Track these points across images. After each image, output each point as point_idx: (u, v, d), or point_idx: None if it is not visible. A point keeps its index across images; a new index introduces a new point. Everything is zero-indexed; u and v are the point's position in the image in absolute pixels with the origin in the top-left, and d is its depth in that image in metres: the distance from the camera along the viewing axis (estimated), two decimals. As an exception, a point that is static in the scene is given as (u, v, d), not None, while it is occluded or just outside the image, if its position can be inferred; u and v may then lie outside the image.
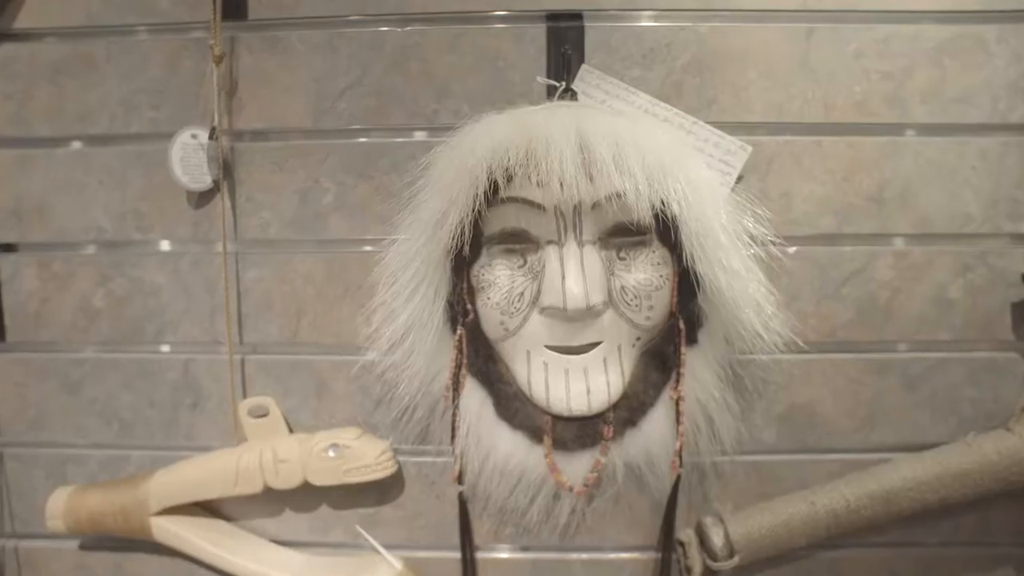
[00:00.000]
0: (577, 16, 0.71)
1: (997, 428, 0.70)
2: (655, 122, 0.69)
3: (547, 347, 0.64)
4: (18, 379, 0.78)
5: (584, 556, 0.76)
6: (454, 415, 0.69)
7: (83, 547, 0.78)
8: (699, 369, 0.69)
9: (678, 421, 0.67)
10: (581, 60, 0.70)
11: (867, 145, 0.71)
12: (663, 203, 0.61)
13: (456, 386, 0.69)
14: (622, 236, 0.64)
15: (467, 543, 0.74)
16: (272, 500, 0.75)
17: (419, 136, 0.73)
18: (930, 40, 0.70)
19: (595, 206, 0.62)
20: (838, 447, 0.74)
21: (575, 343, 0.64)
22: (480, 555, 0.76)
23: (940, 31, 0.70)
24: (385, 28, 0.72)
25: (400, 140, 0.73)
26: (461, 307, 0.68)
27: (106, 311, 0.76)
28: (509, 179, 0.62)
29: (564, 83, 0.69)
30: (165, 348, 0.77)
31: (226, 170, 0.73)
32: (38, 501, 0.75)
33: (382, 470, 0.71)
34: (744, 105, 0.71)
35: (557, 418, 0.65)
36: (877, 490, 0.68)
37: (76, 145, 0.75)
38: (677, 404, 0.67)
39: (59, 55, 0.74)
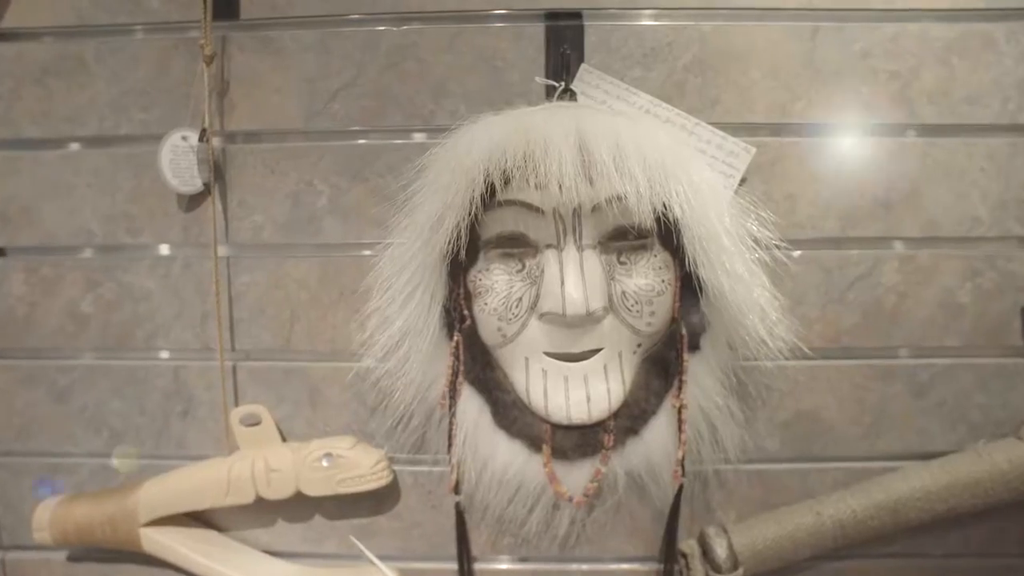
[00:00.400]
0: (576, 15, 0.70)
1: (1007, 436, 0.69)
2: (656, 123, 0.68)
3: (546, 354, 0.63)
4: (5, 386, 0.76)
5: (584, 567, 0.74)
6: (451, 423, 0.68)
7: (71, 559, 0.77)
8: (702, 376, 0.67)
9: (680, 429, 0.66)
10: (580, 60, 0.69)
11: (873, 146, 0.70)
12: (664, 206, 0.60)
13: (453, 394, 0.68)
14: (622, 240, 0.63)
15: (464, 554, 0.73)
16: (265, 510, 0.73)
17: (415, 138, 0.71)
18: (937, 39, 0.69)
19: (595, 209, 0.61)
20: (844, 455, 0.72)
21: (575, 350, 0.62)
22: (478, 566, 0.75)
23: (948, 30, 0.68)
24: (381, 27, 0.71)
25: (396, 142, 0.71)
26: (458, 313, 0.67)
27: (95, 317, 0.75)
28: (507, 181, 0.61)
29: (563, 83, 0.67)
30: (155, 355, 0.75)
31: (217, 173, 0.72)
32: (25, 512, 0.74)
33: (377, 480, 0.69)
34: (747, 106, 0.69)
35: (556, 426, 0.64)
36: (884, 500, 0.67)
37: (65, 147, 0.74)
38: (679, 412, 0.66)
39: (47, 55, 0.73)
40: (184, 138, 0.70)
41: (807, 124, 0.69)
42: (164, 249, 0.74)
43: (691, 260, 0.62)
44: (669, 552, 0.71)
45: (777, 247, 0.66)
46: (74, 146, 0.74)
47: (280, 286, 0.73)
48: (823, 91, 0.69)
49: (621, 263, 0.63)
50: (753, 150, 0.68)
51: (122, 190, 0.73)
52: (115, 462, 0.75)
